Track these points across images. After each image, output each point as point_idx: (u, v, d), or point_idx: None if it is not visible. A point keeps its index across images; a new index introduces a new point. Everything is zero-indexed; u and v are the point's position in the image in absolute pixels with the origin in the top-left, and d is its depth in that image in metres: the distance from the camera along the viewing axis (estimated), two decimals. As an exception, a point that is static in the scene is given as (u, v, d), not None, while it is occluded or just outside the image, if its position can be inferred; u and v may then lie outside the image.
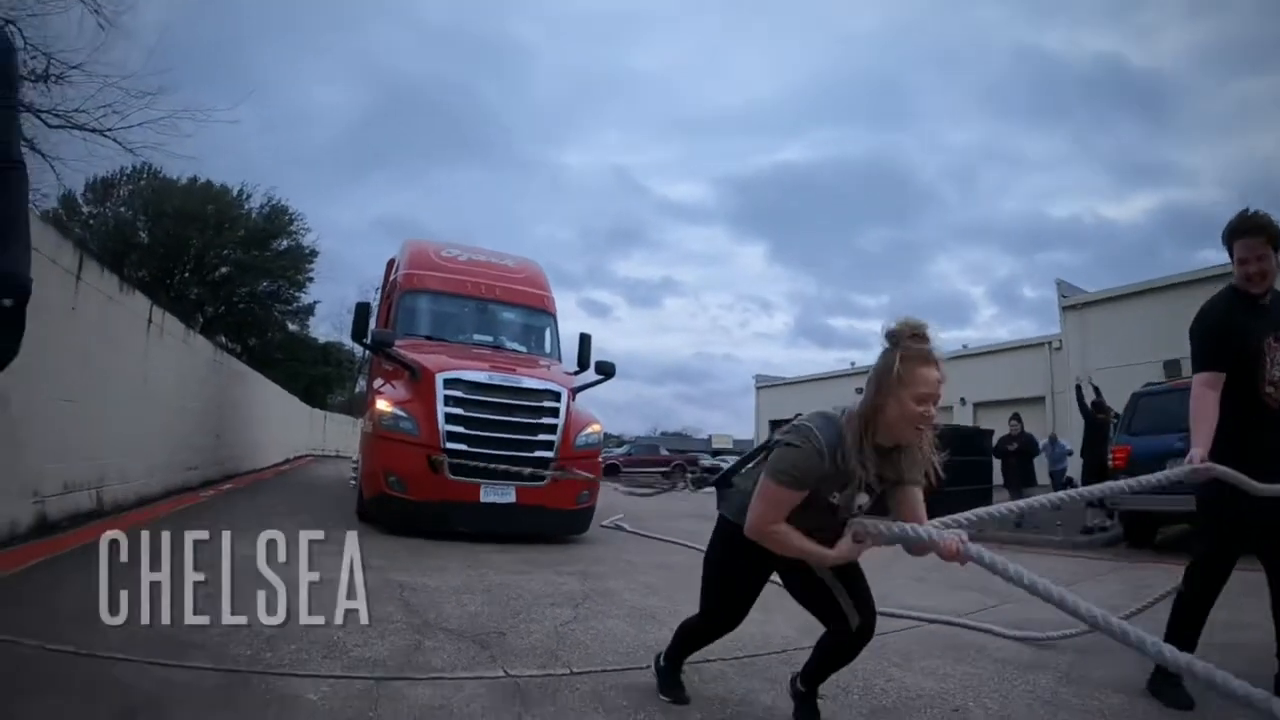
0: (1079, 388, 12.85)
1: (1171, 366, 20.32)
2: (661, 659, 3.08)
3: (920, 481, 2.47)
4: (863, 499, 2.46)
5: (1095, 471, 10.89)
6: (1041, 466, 13.84)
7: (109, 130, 15.82)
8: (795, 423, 2.51)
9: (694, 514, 11.71)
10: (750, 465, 2.80)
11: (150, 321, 8.31)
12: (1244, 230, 3.36)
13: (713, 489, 3.01)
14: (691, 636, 3.00)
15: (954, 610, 4.96)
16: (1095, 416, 11.81)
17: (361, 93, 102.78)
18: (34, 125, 15.45)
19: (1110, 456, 9.85)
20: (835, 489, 2.42)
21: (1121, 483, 3.23)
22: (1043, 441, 13.91)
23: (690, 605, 4.76)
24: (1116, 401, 11.55)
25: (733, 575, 2.77)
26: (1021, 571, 1.97)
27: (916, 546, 2.32)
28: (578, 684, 3.13)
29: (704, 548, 3.68)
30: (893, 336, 2.38)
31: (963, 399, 28.00)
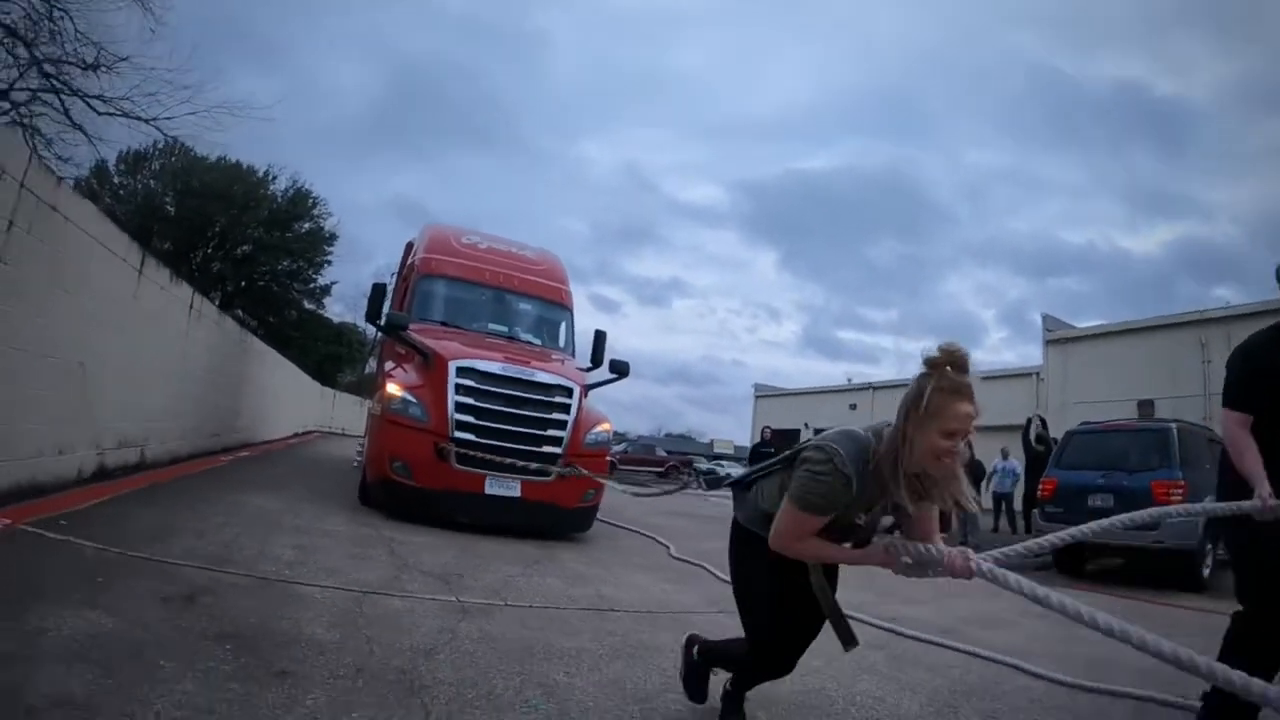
0: (1029, 422, 13.87)
1: (1145, 406, 21.19)
2: (695, 653, 3.04)
3: (942, 504, 2.40)
4: (887, 520, 2.48)
5: (1029, 499, 11.84)
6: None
7: (153, 119, 17.01)
8: (820, 442, 2.38)
9: (676, 511, 12.70)
10: (769, 474, 2.66)
11: (191, 307, 9.50)
12: None
13: (728, 490, 2.85)
14: (739, 667, 2.86)
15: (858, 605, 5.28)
16: (1035, 449, 12.85)
17: (380, 74, 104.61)
18: (83, 110, 16.66)
19: (1040, 487, 10.43)
20: (861, 511, 2.41)
21: (1180, 507, 3.08)
22: (996, 461, 14.95)
23: (624, 576, 5.91)
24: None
25: (758, 578, 2.64)
26: (1036, 588, 1.97)
27: (934, 567, 2.32)
28: (508, 610, 4.28)
29: (663, 540, 4.41)
30: (930, 363, 2.27)
31: (954, 423, 28.96)
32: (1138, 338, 22.97)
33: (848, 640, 2.61)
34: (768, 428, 17.15)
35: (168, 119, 17.19)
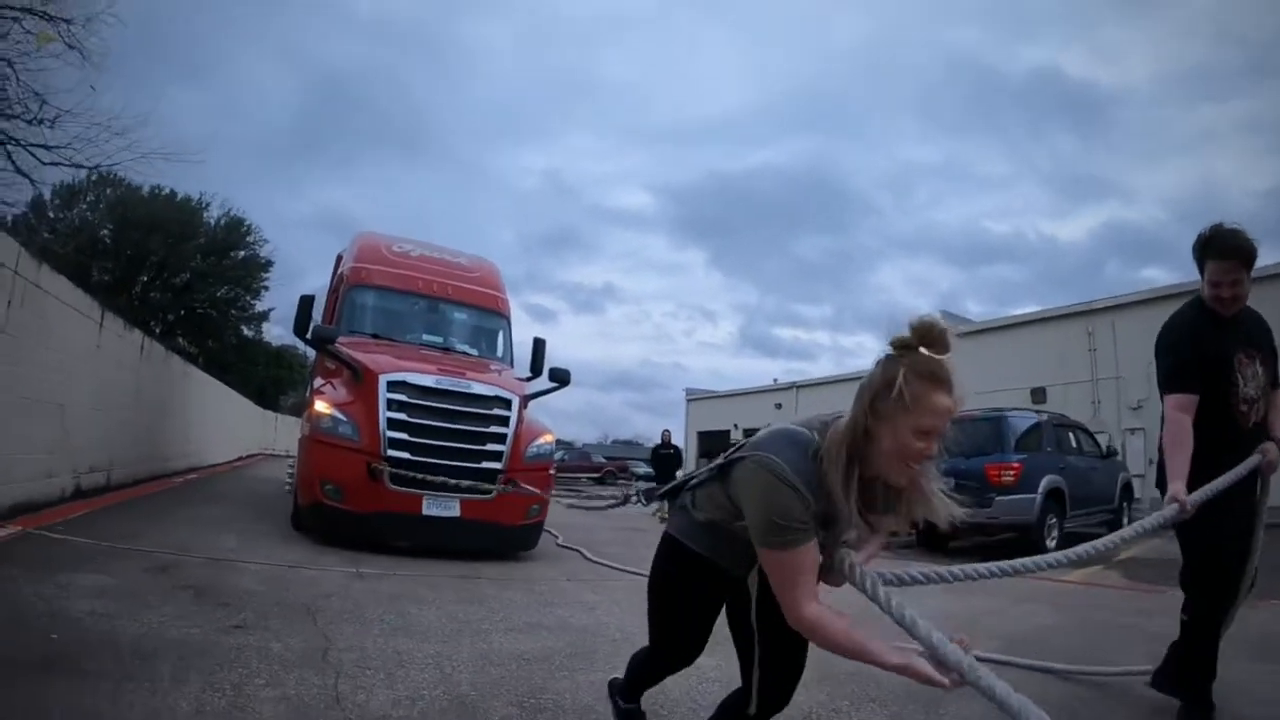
0: None
1: (1038, 394, 23.16)
2: (619, 700, 2.67)
3: (899, 525, 2.09)
4: (851, 534, 2.02)
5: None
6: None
7: (95, 167, 18.21)
8: (752, 455, 1.92)
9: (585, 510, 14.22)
10: (699, 484, 2.23)
11: (142, 349, 10.97)
12: (1220, 253, 3.12)
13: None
14: (643, 671, 2.58)
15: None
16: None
17: (306, 89, 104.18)
18: (28, 159, 17.85)
19: None
20: (818, 529, 1.90)
21: (1121, 533, 2.85)
22: None
23: (508, 559, 7.48)
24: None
25: (678, 600, 2.30)
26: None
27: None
28: (395, 577, 5.90)
29: (554, 532, 5.12)
30: (902, 341, 1.83)
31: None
32: (1029, 329, 24.99)
33: None
34: (667, 430, 18.77)
35: (109, 166, 18.42)
